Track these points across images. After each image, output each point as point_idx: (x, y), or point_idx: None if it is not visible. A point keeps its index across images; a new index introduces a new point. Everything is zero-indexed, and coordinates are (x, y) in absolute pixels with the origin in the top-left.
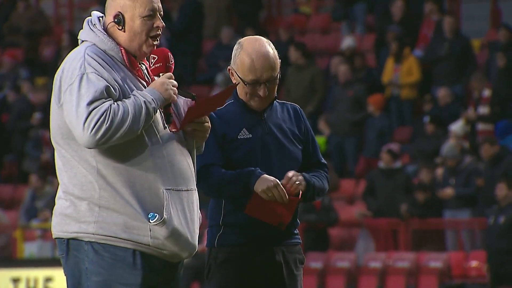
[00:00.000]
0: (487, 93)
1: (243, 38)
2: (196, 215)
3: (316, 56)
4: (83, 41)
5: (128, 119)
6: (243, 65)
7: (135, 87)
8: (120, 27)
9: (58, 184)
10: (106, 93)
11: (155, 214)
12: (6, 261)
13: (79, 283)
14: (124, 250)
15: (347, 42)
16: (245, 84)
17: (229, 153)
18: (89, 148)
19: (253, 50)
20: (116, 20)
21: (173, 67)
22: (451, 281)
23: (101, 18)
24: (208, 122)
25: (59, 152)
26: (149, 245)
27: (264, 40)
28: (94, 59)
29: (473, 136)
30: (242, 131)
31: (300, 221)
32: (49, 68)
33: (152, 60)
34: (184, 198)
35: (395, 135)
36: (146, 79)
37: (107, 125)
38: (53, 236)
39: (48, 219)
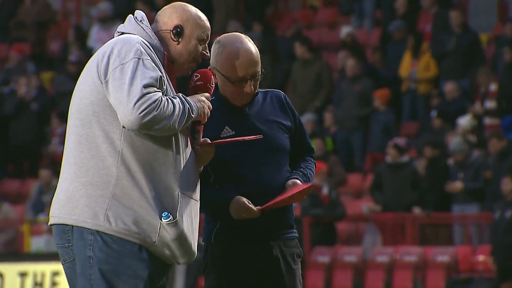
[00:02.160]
0: (493, 87)
1: (222, 36)
2: (197, 225)
3: (323, 50)
4: (125, 33)
5: (174, 116)
6: (227, 64)
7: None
8: (176, 39)
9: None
10: (159, 83)
11: (169, 214)
12: (13, 256)
13: (78, 271)
14: (131, 244)
15: (345, 30)
16: (231, 83)
17: (215, 152)
18: (127, 128)
19: (236, 48)
20: (175, 31)
21: (212, 90)
22: (458, 275)
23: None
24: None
25: (78, 130)
26: (154, 242)
27: (243, 36)
28: (147, 50)
29: (481, 131)
30: (224, 129)
31: (307, 215)
32: (56, 63)
33: (195, 78)
34: (193, 206)
35: (402, 130)
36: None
37: (156, 112)
38: (55, 222)
39: None
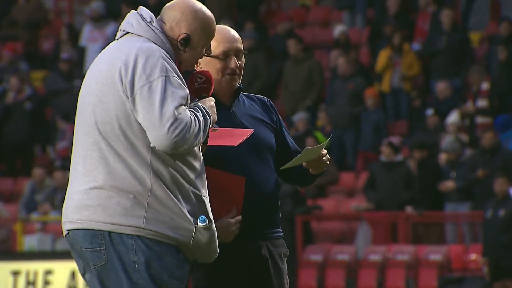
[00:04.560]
0: (485, 86)
1: None
2: None
3: (316, 49)
4: (133, 34)
5: (201, 132)
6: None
7: None
8: (182, 48)
9: (76, 174)
10: (186, 101)
11: (206, 218)
12: (6, 254)
13: (125, 275)
14: (169, 247)
15: (338, 29)
16: (217, 58)
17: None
18: (159, 149)
19: (216, 28)
20: (182, 41)
21: (212, 91)
22: (451, 274)
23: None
24: None
25: (105, 142)
26: (189, 244)
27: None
28: (169, 61)
29: (472, 130)
30: (212, 127)
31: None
32: (48, 61)
33: (198, 80)
34: (209, 205)
35: (392, 129)
36: None
37: (189, 134)
38: (85, 227)
39: (47, 212)
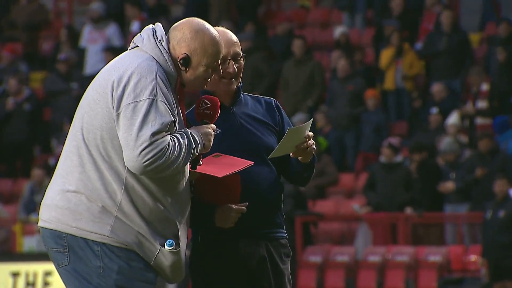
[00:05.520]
0: (485, 87)
1: None
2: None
3: (316, 50)
4: (141, 49)
5: (180, 159)
6: None
7: (179, 121)
8: (183, 68)
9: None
10: (169, 128)
11: (173, 242)
12: (5, 255)
13: (86, 279)
14: (136, 255)
15: (339, 30)
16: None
17: None
18: (132, 171)
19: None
20: (182, 61)
21: (216, 118)
22: (451, 275)
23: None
24: None
25: (83, 149)
26: (151, 263)
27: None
28: (164, 85)
29: (472, 131)
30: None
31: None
32: (48, 62)
33: (204, 105)
34: (187, 231)
35: (392, 130)
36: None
37: (161, 161)
38: (53, 227)
39: None
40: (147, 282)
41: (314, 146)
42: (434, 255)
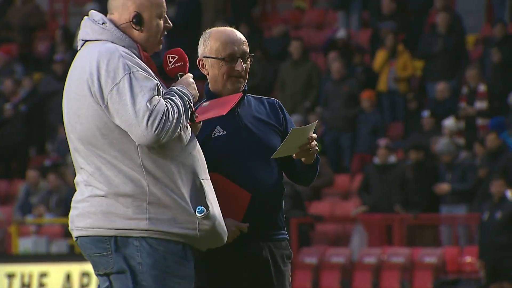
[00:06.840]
0: (482, 88)
1: (209, 29)
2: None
3: (311, 51)
4: (92, 40)
5: (182, 116)
6: (216, 44)
7: (160, 83)
8: (137, 28)
9: (80, 183)
10: (157, 91)
11: (203, 208)
12: (1, 257)
13: (129, 278)
14: (175, 244)
15: (341, 33)
16: (222, 61)
17: (206, 152)
18: (146, 146)
19: (223, 30)
20: (134, 20)
21: (188, 66)
22: (446, 276)
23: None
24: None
25: (94, 153)
26: (197, 236)
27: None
28: (130, 57)
29: (470, 132)
30: (216, 129)
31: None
32: (44, 64)
33: (172, 60)
34: (211, 185)
35: (388, 131)
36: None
37: (168, 123)
38: (91, 234)
39: (42, 214)
40: (183, 278)
41: (317, 148)
42: (430, 256)
